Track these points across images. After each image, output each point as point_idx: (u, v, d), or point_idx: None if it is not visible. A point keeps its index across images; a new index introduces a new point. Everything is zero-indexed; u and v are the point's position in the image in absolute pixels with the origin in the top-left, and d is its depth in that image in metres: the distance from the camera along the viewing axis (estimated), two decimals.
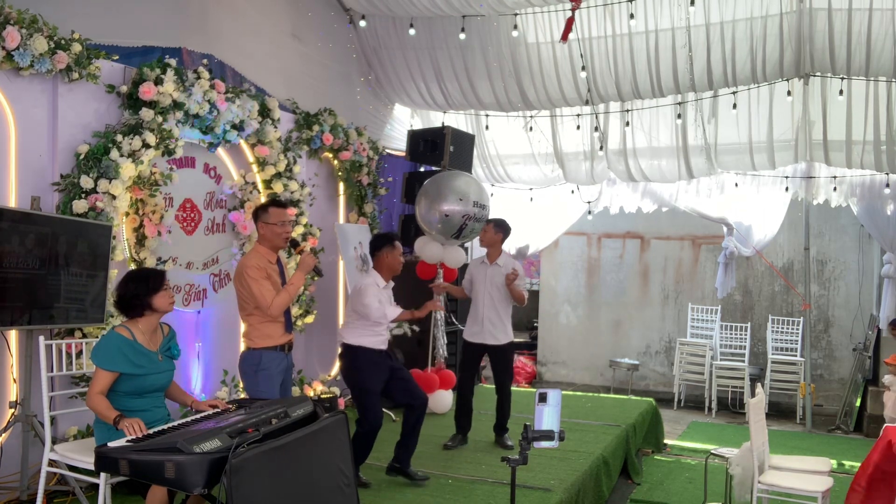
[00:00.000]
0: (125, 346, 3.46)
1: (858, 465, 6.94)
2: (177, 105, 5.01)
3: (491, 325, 5.69)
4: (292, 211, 6.06)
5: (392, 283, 5.01)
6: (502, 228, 5.83)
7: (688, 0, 6.64)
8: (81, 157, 4.56)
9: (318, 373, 6.94)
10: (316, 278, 6.18)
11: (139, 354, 3.49)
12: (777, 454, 5.30)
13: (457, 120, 8.95)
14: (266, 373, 4.16)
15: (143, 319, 3.57)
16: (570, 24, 6.12)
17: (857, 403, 8.84)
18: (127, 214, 4.87)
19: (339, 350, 4.96)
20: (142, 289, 3.53)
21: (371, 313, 4.71)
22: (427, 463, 5.14)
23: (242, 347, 6.07)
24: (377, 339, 4.81)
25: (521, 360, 11.11)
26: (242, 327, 5.95)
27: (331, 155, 7.09)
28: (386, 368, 4.81)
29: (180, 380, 5.25)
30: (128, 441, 3.00)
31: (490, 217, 6.26)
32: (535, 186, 9.27)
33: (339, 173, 7.30)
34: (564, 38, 6.35)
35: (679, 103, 7.87)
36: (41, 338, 3.95)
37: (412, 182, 7.92)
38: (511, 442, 5.79)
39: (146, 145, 4.78)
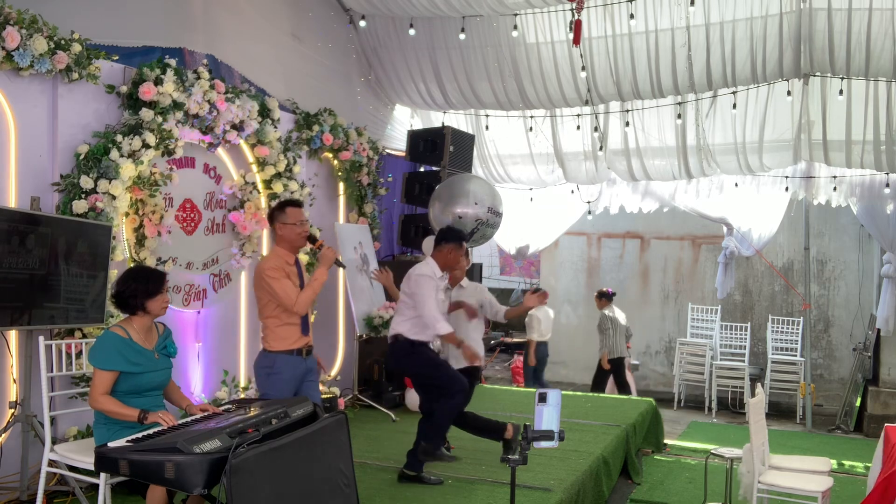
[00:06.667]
0: (121, 344, 3.47)
1: (858, 464, 6.99)
2: (177, 105, 5.00)
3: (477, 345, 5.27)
4: None
5: (447, 275, 4.96)
6: None
7: (688, 0, 6.64)
8: (81, 157, 4.56)
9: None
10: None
11: (135, 353, 3.50)
12: (777, 454, 5.30)
13: (457, 120, 8.95)
14: (278, 377, 4.13)
15: (137, 319, 3.58)
16: (577, 26, 6.10)
17: (857, 403, 8.85)
18: (127, 214, 4.86)
19: (391, 340, 4.87)
20: (140, 289, 3.54)
21: (425, 313, 4.66)
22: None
23: (244, 348, 6.09)
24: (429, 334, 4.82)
25: (520, 360, 11.10)
26: (243, 327, 6.00)
27: (331, 155, 7.09)
28: None
29: (181, 380, 5.26)
30: (128, 441, 3.00)
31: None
32: (535, 186, 9.27)
33: (339, 173, 7.30)
34: (576, 41, 6.30)
35: (679, 103, 7.87)
36: (41, 338, 3.95)
37: (412, 182, 7.92)
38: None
39: (146, 145, 4.77)
